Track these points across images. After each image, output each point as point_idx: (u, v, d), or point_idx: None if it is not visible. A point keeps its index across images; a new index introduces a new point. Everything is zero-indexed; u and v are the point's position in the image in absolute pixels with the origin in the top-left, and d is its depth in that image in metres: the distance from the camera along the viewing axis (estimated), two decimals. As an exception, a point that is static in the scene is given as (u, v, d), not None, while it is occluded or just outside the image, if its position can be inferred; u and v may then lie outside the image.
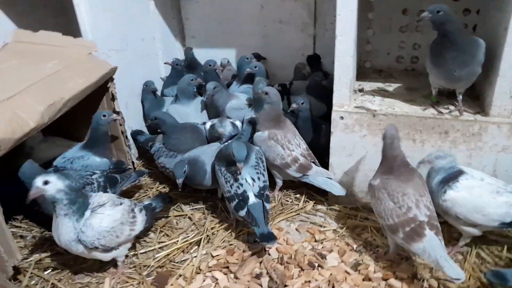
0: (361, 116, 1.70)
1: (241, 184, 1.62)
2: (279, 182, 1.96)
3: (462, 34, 1.52)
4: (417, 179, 1.42)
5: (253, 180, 1.64)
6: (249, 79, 2.33)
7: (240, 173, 1.56)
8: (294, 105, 1.90)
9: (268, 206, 1.63)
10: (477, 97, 1.76)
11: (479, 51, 1.55)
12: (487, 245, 1.60)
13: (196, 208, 1.95)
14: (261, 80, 2.12)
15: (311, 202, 1.92)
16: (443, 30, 1.49)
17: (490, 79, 1.62)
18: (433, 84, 1.73)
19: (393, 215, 1.37)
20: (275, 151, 1.81)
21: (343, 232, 1.74)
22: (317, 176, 1.80)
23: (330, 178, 1.79)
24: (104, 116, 1.85)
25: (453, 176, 1.43)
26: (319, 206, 1.89)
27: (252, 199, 1.60)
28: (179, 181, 1.62)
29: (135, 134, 2.12)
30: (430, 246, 1.32)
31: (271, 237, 1.54)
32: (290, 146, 1.81)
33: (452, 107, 1.71)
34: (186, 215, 1.91)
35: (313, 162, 1.82)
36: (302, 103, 1.91)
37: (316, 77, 2.16)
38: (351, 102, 1.75)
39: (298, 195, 1.98)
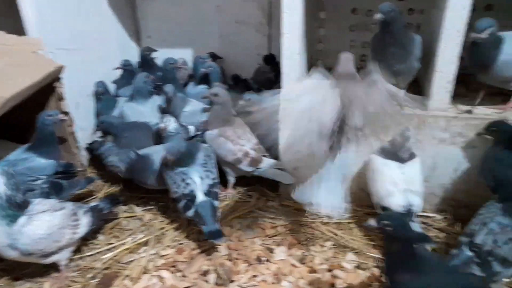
0: None
1: (188, 184, 1.65)
2: (232, 180, 2.00)
3: (403, 31, 1.61)
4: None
5: (201, 178, 1.66)
6: (205, 79, 2.37)
7: (168, 164, 1.61)
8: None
9: (216, 203, 1.66)
10: (420, 93, 1.86)
11: (416, 46, 1.65)
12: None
13: (147, 209, 1.96)
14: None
15: (264, 199, 1.96)
16: (390, 29, 1.57)
17: (429, 75, 1.72)
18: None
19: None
20: (225, 147, 1.85)
21: (293, 227, 1.79)
22: (268, 168, 1.85)
23: (281, 169, 1.82)
24: (50, 116, 1.83)
25: None
26: (271, 203, 1.93)
27: (200, 198, 1.63)
28: (122, 167, 1.60)
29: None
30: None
31: (219, 234, 1.58)
32: (241, 141, 1.85)
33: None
34: (137, 215, 1.92)
35: (264, 155, 1.87)
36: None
37: (262, 68, 2.25)
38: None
39: (251, 193, 2.02)
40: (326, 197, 1.33)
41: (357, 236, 1.73)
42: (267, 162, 1.86)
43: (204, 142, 1.92)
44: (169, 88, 2.11)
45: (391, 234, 1.06)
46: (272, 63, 2.50)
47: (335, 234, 1.77)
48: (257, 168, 1.85)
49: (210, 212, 1.60)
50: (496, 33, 1.53)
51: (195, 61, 2.43)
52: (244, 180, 2.02)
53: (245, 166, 1.86)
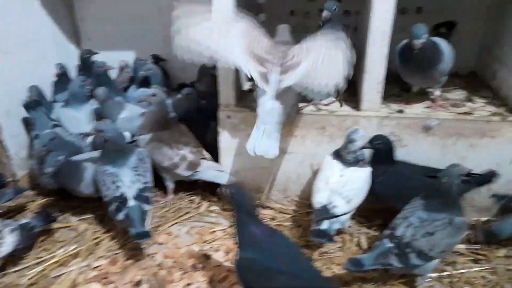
0: (248, 115, 1.76)
1: (118, 186, 1.62)
2: (170, 185, 1.97)
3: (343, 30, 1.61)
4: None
5: (132, 182, 1.64)
6: (146, 82, 2.32)
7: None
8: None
9: (147, 207, 1.64)
10: (354, 94, 1.90)
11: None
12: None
13: (83, 219, 1.90)
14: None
15: (205, 203, 1.94)
16: (332, 27, 1.58)
17: (361, 76, 1.77)
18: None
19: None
20: (161, 152, 1.83)
21: (232, 230, 1.77)
22: (207, 171, 1.84)
23: (222, 171, 1.83)
24: (-28, 123, 1.74)
25: None
26: (213, 207, 1.92)
27: (130, 202, 1.60)
28: (48, 169, 1.58)
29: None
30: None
31: (146, 235, 1.57)
32: (177, 145, 1.83)
33: (332, 98, 1.85)
34: (71, 226, 1.86)
35: (203, 158, 1.86)
36: (187, 94, 2.00)
37: (206, 67, 2.21)
38: (237, 101, 1.81)
39: (192, 197, 2.00)
40: (261, 141, 1.44)
41: (296, 236, 1.74)
42: (206, 165, 1.84)
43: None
44: (100, 91, 2.04)
45: (231, 203, 1.20)
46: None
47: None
48: (195, 172, 1.84)
49: (139, 215, 1.58)
50: (430, 38, 1.59)
51: (135, 64, 2.38)
52: (186, 184, 2.00)
53: (182, 171, 1.84)
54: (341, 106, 1.77)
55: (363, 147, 1.53)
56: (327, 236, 1.50)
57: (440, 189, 1.36)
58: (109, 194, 1.63)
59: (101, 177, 1.66)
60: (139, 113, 2.06)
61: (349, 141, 1.56)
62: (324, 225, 1.52)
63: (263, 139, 1.45)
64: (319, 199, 1.57)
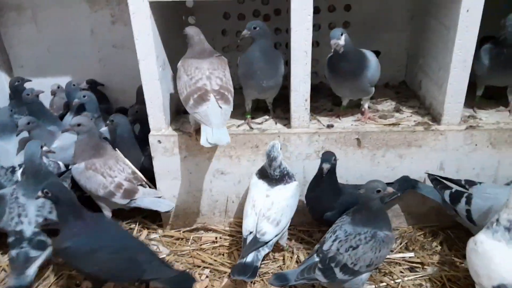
0: (179, 138, 1.76)
1: (22, 222, 1.58)
2: (108, 214, 1.94)
3: (271, 48, 1.71)
4: (214, 59, 1.65)
5: (34, 220, 1.60)
6: (82, 109, 2.28)
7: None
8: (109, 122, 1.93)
9: (35, 253, 1.55)
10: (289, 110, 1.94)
11: (280, 63, 1.76)
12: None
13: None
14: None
15: (145, 231, 1.92)
16: (258, 45, 1.67)
17: (290, 94, 1.82)
18: (248, 97, 1.85)
19: (186, 87, 1.59)
20: (95, 181, 1.80)
21: (173, 257, 1.77)
22: (144, 198, 1.82)
23: (159, 197, 1.83)
24: None
25: None
26: (153, 235, 1.89)
27: (24, 244, 1.56)
28: None
29: None
30: (212, 110, 1.53)
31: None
32: (112, 172, 1.81)
33: (266, 117, 1.90)
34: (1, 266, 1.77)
35: (141, 185, 1.85)
36: (112, 121, 1.95)
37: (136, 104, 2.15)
38: (168, 124, 1.81)
39: (132, 226, 1.96)
40: (212, 134, 1.50)
41: (235, 260, 1.74)
42: (143, 192, 1.83)
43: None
44: (21, 121, 1.96)
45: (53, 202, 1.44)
46: None
47: (214, 261, 1.78)
48: (132, 200, 1.81)
49: (22, 262, 1.52)
50: (356, 48, 1.66)
51: (67, 88, 2.32)
52: (125, 212, 1.95)
53: (119, 199, 1.81)
54: (274, 120, 1.81)
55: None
56: (250, 270, 1.44)
57: (363, 203, 1.40)
58: (11, 224, 1.57)
59: (10, 202, 1.61)
60: (72, 141, 1.98)
61: (271, 159, 1.55)
62: (250, 257, 1.48)
63: (213, 132, 1.50)
64: (246, 226, 1.54)
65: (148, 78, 1.69)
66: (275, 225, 1.53)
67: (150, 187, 1.89)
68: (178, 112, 1.94)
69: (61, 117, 2.37)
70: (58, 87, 2.51)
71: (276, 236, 1.55)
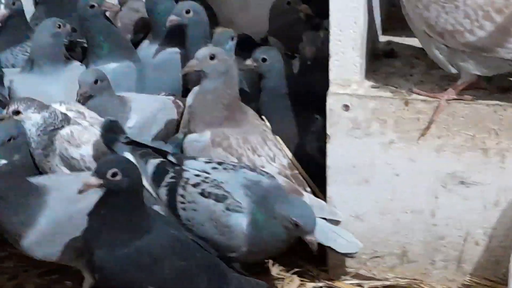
0: (384, 105, 1.46)
1: None
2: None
3: None
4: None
5: None
6: (178, 34, 1.89)
7: None
8: (248, 61, 1.71)
9: None
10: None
11: None
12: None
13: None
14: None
15: (297, 280, 1.65)
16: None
17: None
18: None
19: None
20: None
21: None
22: None
23: (336, 216, 1.57)
24: None
25: None
26: (309, 285, 1.65)
27: None
28: None
29: None
30: None
31: None
32: (256, 158, 1.61)
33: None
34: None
35: (303, 188, 1.62)
36: (263, 60, 1.68)
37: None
38: (364, 76, 1.53)
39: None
40: None
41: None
42: (309, 201, 1.56)
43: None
44: (86, 77, 1.71)
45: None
46: None
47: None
48: None
49: None
50: None
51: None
52: None
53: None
54: None
55: None
56: None
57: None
58: None
59: None
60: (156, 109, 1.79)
61: None
62: None
63: None
64: None
65: None
66: None
67: (315, 194, 1.63)
68: (376, 55, 1.66)
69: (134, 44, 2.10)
70: None
71: None
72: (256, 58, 1.71)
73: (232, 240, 1.42)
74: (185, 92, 1.93)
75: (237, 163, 1.52)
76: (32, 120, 1.59)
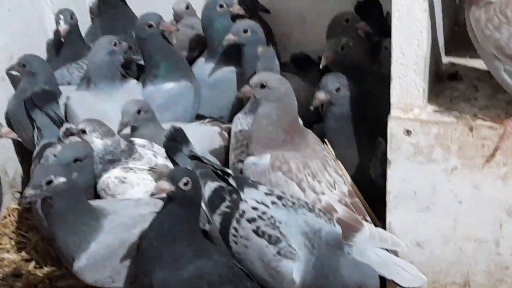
0: (448, 130, 1.46)
1: None
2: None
3: None
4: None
5: None
6: (234, 52, 1.90)
7: None
8: (320, 95, 1.68)
9: None
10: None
11: None
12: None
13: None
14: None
15: None
16: None
17: None
18: None
19: None
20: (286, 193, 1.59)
21: None
22: (369, 246, 1.55)
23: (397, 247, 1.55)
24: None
25: None
26: None
27: None
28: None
29: None
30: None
31: None
32: (316, 184, 1.60)
33: None
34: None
35: (363, 217, 1.61)
36: (337, 90, 1.66)
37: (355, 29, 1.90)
38: (426, 100, 1.52)
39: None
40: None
41: None
42: (370, 233, 1.55)
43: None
44: (129, 107, 1.72)
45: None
46: (366, 14, 2.00)
47: None
48: (346, 243, 1.52)
49: None
50: None
51: (207, 11, 1.95)
52: None
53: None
54: None
55: None
56: None
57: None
58: None
59: None
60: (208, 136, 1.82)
61: None
62: None
63: None
64: None
65: (406, 4, 1.40)
66: None
67: (374, 223, 1.61)
68: (439, 77, 1.64)
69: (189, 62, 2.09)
70: (188, 7, 2.16)
71: None
72: (330, 90, 1.69)
73: (280, 284, 1.40)
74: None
75: (297, 200, 1.47)
76: (93, 144, 1.61)
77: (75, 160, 1.58)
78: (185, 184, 1.29)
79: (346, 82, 1.69)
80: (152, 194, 1.38)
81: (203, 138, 1.83)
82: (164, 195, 1.34)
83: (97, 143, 1.61)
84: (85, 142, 1.63)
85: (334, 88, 1.65)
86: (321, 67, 1.83)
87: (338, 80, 1.68)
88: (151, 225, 1.33)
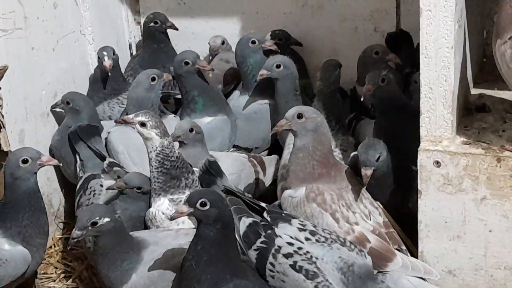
0: (476, 162, 1.52)
1: None
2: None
3: None
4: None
5: None
6: (267, 86, 2.02)
7: None
8: (369, 172, 1.66)
9: None
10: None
11: None
12: None
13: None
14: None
15: None
16: None
17: None
18: None
19: None
20: (320, 224, 1.64)
21: None
22: (402, 275, 1.57)
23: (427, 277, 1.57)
24: (26, 161, 1.60)
25: None
26: None
27: None
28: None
29: None
30: None
31: None
32: (350, 215, 1.65)
33: None
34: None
35: (398, 248, 1.64)
36: (377, 159, 1.68)
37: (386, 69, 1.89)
38: (455, 132, 1.58)
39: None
40: None
41: None
42: (402, 262, 1.57)
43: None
44: (184, 124, 1.84)
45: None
46: (397, 47, 2.09)
47: None
48: (381, 272, 1.55)
49: None
50: None
51: (241, 48, 2.07)
52: None
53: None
54: None
55: None
56: None
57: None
58: None
59: None
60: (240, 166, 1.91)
61: None
62: None
63: None
64: None
65: (433, 42, 1.46)
66: None
67: (410, 251, 1.65)
68: (467, 109, 1.71)
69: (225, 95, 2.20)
70: (223, 43, 2.27)
71: None
72: (372, 163, 1.68)
73: None
74: (273, 145, 2.04)
75: (329, 234, 1.50)
76: (152, 140, 1.62)
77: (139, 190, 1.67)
78: (202, 205, 1.34)
79: (383, 150, 1.69)
80: (172, 218, 1.44)
81: (235, 162, 1.92)
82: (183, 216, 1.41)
83: (156, 140, 1.63)
84: (142, 175, 1.72)
85: (374, 160, 1.66)
86: (361, 99, 1.86)
87: (378, 152, 1.68)
88: (189, 249, 1.38)
